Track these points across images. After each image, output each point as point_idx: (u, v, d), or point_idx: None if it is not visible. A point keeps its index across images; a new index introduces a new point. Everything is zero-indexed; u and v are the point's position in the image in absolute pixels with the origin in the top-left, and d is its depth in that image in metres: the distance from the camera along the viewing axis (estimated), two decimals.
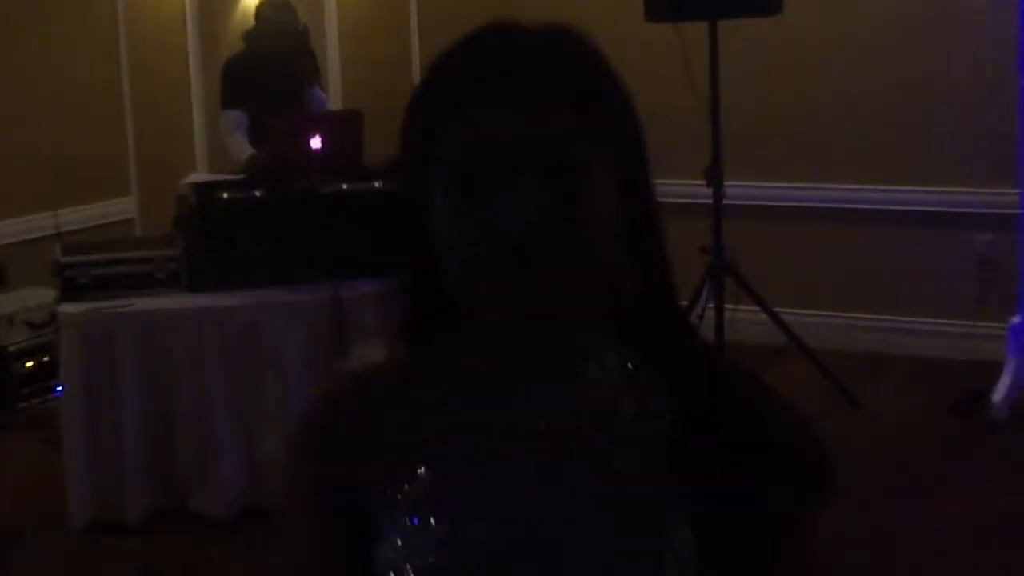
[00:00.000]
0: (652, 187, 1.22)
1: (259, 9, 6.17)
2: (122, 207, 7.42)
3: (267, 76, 5.91)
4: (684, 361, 1.24)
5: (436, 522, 1.21)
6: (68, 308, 4.75)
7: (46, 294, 5.69)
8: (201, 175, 6.64)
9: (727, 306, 5.60)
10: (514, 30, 1.17)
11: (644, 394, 1.22)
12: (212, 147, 7.43)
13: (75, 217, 6.72)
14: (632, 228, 1.17)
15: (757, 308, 5.61)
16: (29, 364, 6.07)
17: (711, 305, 5.51)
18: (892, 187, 6.04)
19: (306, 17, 6.59)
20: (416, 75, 7.54)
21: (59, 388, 5.02)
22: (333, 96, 7.28)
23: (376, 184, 4.93)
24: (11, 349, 6.04)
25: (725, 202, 5.61)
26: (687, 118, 5.43)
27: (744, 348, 5.28)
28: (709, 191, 5.56)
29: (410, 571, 1.22)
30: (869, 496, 4.44)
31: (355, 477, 1.25)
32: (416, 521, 1.22)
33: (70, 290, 4.88)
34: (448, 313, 1.21)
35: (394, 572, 1.22)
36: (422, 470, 1.23)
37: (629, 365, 1.23)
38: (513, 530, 1.19)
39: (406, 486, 1.23)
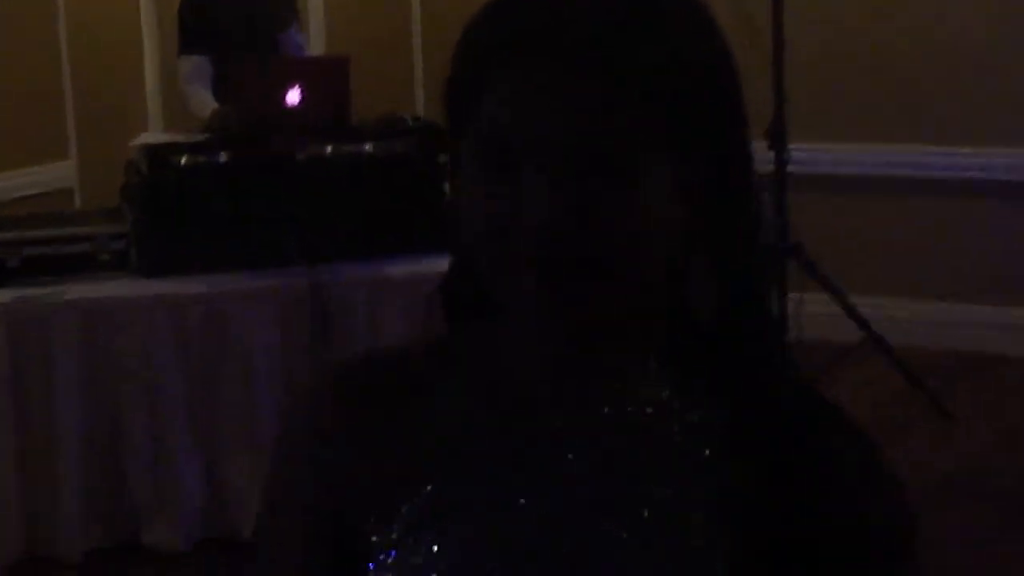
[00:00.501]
0: (744, 188, 1.23)
1: None
2: (59, 174, 7.27)
3: (234, 15, 6.05)
4: (751, 389, 1.26)
5: (439, 548, 1.24)
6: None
7: None
8: (154, 135, 6.62)
9: (791, 294, 5.59)
10: None
11: (695, 418, 1.26)
12: (168, 101, 7.36)
13: (1, 186, 6.65)
14: (707, 235, 1.19)
15: (828, 297, 5.69)
16: None
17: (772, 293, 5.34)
18: (995, 151, 6.16)
19: None
20: (416, 15, 7.60)
21: None
22: (314, 39, 7.41)
23: (366, 147, 4.94)
24: None
25: (789, 169, 5.64)
26: (744, 65, 5.47)
27: (811, 345, 5.29)
28: (770, 155, 5.57)
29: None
30: (961, 523, 4.45)
31: (349, 488, 1.29)
32: (417, 546, 1.26)
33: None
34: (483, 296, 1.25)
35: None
36: (428, 487, 1.26)
37: (684, 384, 1.26)
38: (530, 563, 1.24)
39: (408, 504, 1.27)
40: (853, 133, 6.47)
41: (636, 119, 1.13)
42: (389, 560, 1.27)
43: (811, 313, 5.69)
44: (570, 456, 1.26)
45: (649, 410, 1.26)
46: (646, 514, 1.24)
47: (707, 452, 1.25)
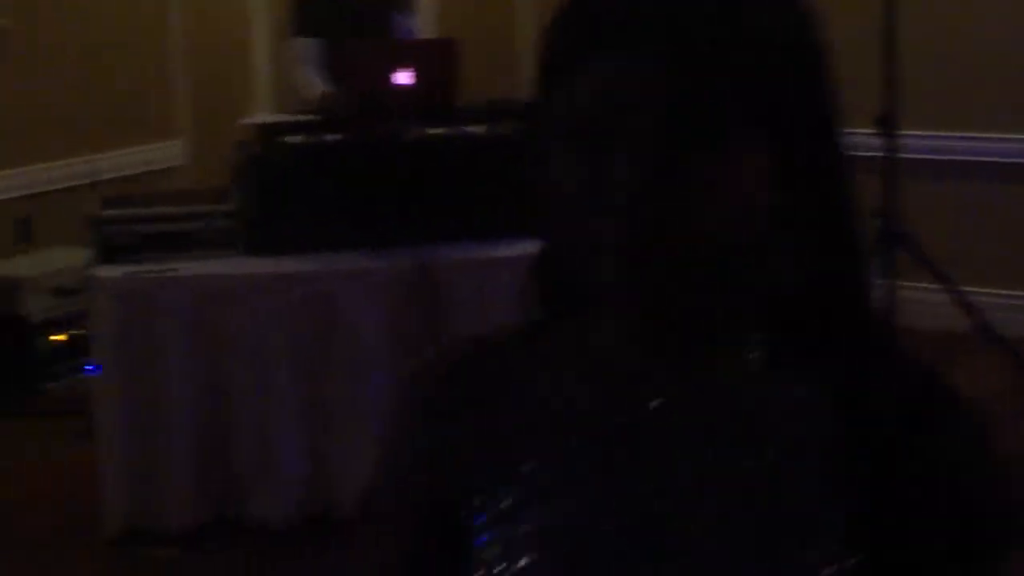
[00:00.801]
0: (834, 163, 1.24)
1: None
2: (169, 152, 7.61)
3: None
4: (855, 362, 1.27)
5: (543, 523, 1.28)
6: (104, 272, 4.84)
7: (78, 255, 5.73)
8: (265, 116, 6.68)
9: (900, 283, 5.59)
10: None
11: (795, 392, 1.27)
12: (278, 82, 7.46)
13: (114, 164, 6.88)
14: (799, 211, 1.20)
15: (937, 286, 5.68)
16: (56, 338, 6.29)
17: (880, 281, 5.30)
18: None
19: None
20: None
21: (91, 367, 5.12)
22: (425, 23, 7.47)
23: (473, 129, 5.00)
24: (35, 320, 6.25)
25: (901, 155, 5.64)
26: (855, 50, 5.44)
27: (919, 334, 5.28)
28: (881, 142, 5.59)
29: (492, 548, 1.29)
30: None
31: (456, 465, 1.33)
32: (521, 521, 1.29)
33: (107, 251, 4.97)
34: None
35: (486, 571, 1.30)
36: (530, 465, 1.29)
37: (781, 357, 1.28)
38: (630, 536, 1.26)
39: (513, 481, 1.30)
40: (966, 120, 6.45)
41: (718, 93, 1.14)
42: (496, 535, 1.29)
43: (918, 301, 5.84)
44: (667, 431, 1.27)
45: (745, 384, 1.28)
46: (747, 488, 1.25)
47: (805, 425, 1.26)
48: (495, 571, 1.31)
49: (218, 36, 7.77)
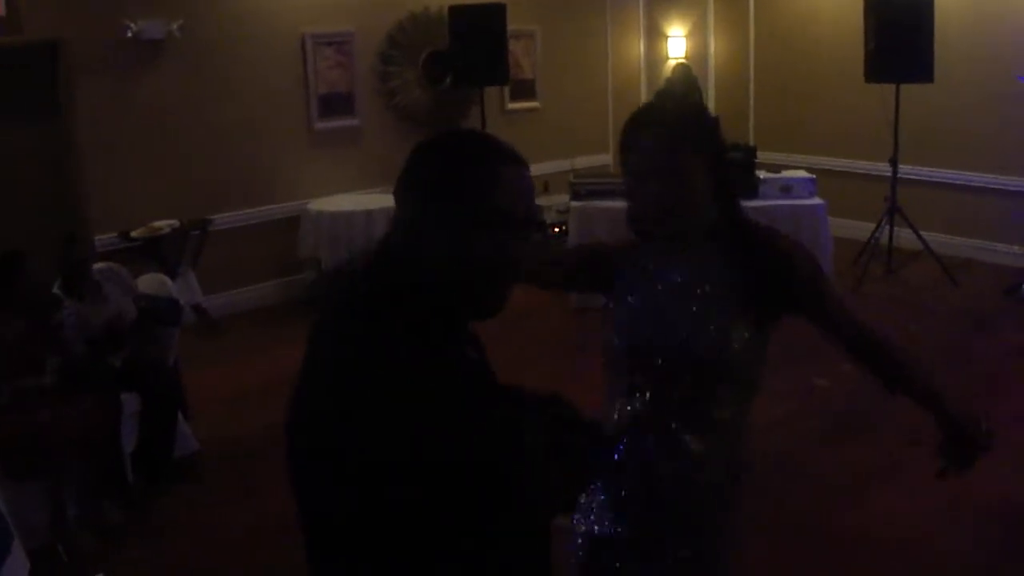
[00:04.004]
0: (729, 173, 2.24)
1: None
2: (604, 157, 10.50)
3: None
4: (742, 239, 2.29)
5: (625, 307, 2.46)
6: (574, 204, 8.40)
7: (564, 197, 8.76)
8: None
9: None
10: (662, 109, 2.27)
11: (723, 258, 2.34)
12: None
13: (580, 162, 9.78)
14: (717, 191, 2.27)
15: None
16: (556, 229, 9.44)
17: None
18: None
19: None
20: None
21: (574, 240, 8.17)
22: None
23: None
24: (548, 221, 9.49)
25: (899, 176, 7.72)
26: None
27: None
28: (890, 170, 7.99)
29: (617, 312, 2.45)
30: None
31: (605, 268, 2.55)
32: (618, 304, 2.48)
33: (575, 195, 8.38)
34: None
35: (616, 307, 2.46)
36: (630, 271, 2.43)
37: (717, 248, 2.33)
38: (660, 307, 2.39)
39: (620, 282, 2.46)
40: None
41: (684, 147, 2.24)
42: (617, 295, 2.50)
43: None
44: (673, 276, 2.40)
45: (705, 259, 2.35)
46: (701, 294, 2.36)
47: (727, 271, 2.30)
48: (616, 321, 2.44)
49: (622, 88, 10.51)
